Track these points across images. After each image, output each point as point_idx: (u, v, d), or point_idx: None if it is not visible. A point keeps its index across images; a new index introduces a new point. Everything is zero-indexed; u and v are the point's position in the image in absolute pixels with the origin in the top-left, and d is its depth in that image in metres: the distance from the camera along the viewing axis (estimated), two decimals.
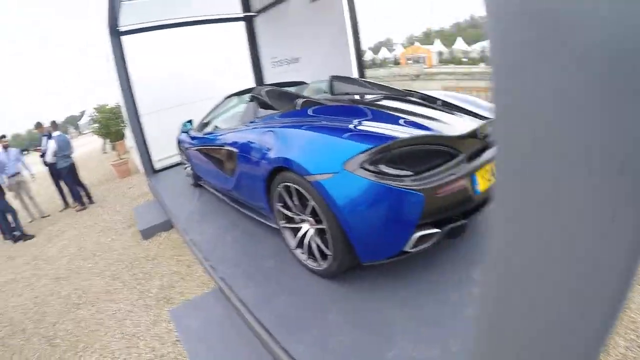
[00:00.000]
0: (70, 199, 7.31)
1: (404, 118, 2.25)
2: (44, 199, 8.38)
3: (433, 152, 1.90)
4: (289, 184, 2.26)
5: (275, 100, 3.12)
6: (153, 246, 4.46)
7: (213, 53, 8.19)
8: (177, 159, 7.21)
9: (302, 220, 2.37)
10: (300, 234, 2.41)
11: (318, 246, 2.23)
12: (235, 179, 3.28)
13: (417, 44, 41.40)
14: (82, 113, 52.06)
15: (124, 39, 5.84)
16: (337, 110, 2.65)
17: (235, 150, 3.16)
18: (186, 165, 5.18)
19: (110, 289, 3.78)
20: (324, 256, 2.21)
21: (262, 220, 3.17)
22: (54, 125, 6.83)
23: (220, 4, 6.90)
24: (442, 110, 2.46)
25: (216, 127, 4.12)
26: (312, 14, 5.78)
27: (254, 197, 3.08)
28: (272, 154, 2.42)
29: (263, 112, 3.24)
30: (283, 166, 2.26)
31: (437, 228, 1.85)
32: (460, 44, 36.49)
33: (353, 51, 5.44)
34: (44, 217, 7.20)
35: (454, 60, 34.01)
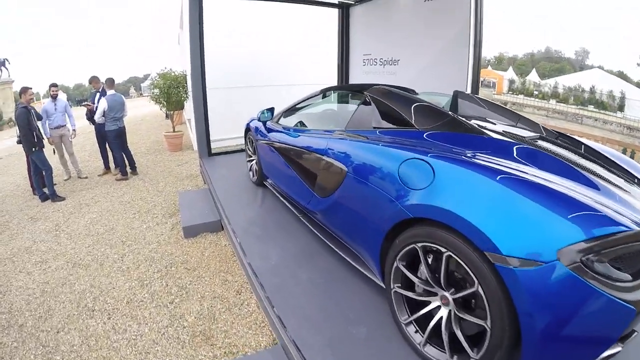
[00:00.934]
0: (112, 165, 6.70)
1: (600, 183, 1.59)
2: (84, 158, 7.87)
3: None
4: (439, 247, 1.59)
5: (412, 111, 2.22)
6: (195, 251, 3.61)
7: (296, 37, 7.53)
8: (236, 143, 6.54)
9: (433, 294, 1.72)
10: (424, 310, 1.76)
11: (451, 334, 1.63)
12: (331, 203, 2.43)
13: (489, 67, 39.32)
14: (146, 76, 53.58)
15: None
16: (512, 151, 1.80)
17: (341, 166, 2.30)
18: (251, 158, 4.34)
19: (134, 298, 2.95)
20: (456, 349, 1.61)
21: (353, 263, 2.33)
22: (111, 82, 6.15)
23: None
24: (618, 175, 1.85)
25: (303, 124, 3.24)
26: (425, 13, 4.84)
27: (356, 237, 2.27)
28: (417, 197, 1.70)
29: (384, 122, 2.36)
30: (437, 221, 1.57)
31: (620, 343, 1.34)
32: (533, 76, 34.34)
33: (471, 63, 4.41)
34: (81, 177, 6.64)
35: (526, 91, 31.89)
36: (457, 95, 2.94)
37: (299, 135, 2.99)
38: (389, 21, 5.47)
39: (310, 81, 7.65)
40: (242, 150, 5.30)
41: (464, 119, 2.08)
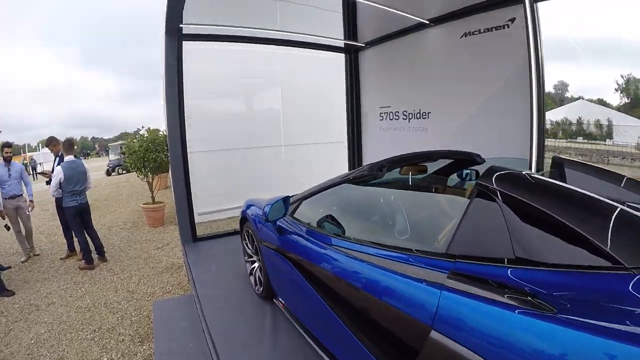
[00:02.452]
0: (78, 245, 5.49)
1: None
2: (52, 231, 6.67)
3: None
4: None
5: (604, 228, 1.13)
6: None
7: (300, 90, 6.59)
8: (228, 216, 5.47)
9: None
10: None
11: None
12: None
13: None
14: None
15: (186, 45, 4.20)
16: None
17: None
18: (252, 260, 3.19)
19: None
20: None
21: None
22: (69, 145, 5.06)
23: (315, 26, 5.20)
24: None
25: (341, 226, 2.07)
26: (463, 51, 3.91)
27: None
28: None
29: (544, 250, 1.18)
30: None
31: None
32: None
33: (535, 111, 3.41)
34: (32, 255, 5.74)
35: None
36: (560, 162, 2.07)
37: (344, 256, 1.82)
38: (412, 65, 4.52)
39: (317, 139, 6.73)
40: (236, 233, 4.19)
41: None
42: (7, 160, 5.20)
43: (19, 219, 5.34)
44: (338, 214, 2.14)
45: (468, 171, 2.62)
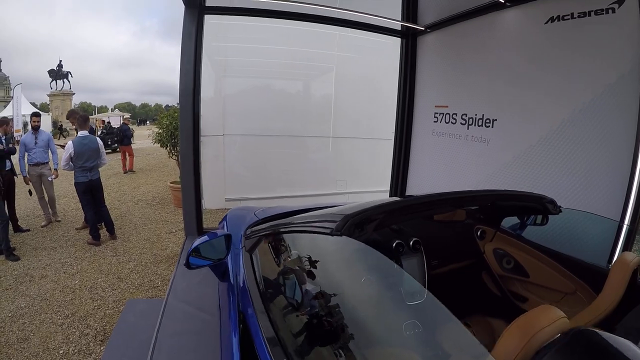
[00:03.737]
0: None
1: None
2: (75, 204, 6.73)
3: None
4: None
5: None
6: None
7: (349, 75, 5.99)
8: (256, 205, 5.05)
9: None
10: None
11: None
12: None
13: None
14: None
15: (208, 19, 3.71)
16: None
17: None
18: None
19: None
20: None
21: None
22: (83, 120, 4.93)
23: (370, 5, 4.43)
24: None
25: None
26: (544, 43, 2.95)
27: None
28: None
29: None
30: None
31: None
32: None
33: None
34: (53, 221, 5.81)
35: None
36: None
37: None
38: (480, 56, 3.59)
39: (357, 134, 6.09)
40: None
41: None
42: (35, 129, 5.35)
43: (42, 185, 5.45)
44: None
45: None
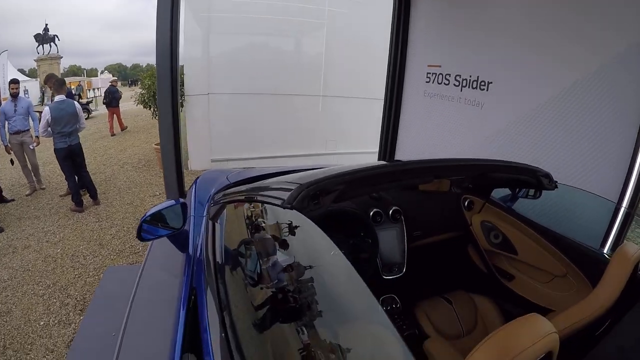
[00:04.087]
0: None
1: None
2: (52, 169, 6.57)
3: None
4: None
5: None
6: None
7: (327, 28, 5.72)
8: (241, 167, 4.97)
9: None
10: None
11: None
12: None
13: None
14: None
15: None
16: None
17: None
18: None
19: None
20: None
21: None
22: (60, 84, 4.73)
23: None
24: None
25: None
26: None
27: None
28: None
29: None
30: None
31: None
32: None
33: None
34: (38, 189, 5.71)
35: None
36: None
37: None
38: (477, 13, 3.32)
39: (348, 93, 5.89)
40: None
41: None
42: (14, 96, 5.14)
43: (24, 154, 5.30)
44: None
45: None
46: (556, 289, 1.68)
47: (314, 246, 1.15)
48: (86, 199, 5.05)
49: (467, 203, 2.00)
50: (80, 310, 2.98)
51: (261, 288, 1.13)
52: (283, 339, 1.00)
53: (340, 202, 1.24)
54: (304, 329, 0.92)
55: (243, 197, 1.43)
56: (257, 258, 1.18)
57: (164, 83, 3.56)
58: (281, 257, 1.13)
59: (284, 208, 0.99)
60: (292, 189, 1.02)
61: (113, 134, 10.32)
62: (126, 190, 5.65)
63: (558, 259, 1.65)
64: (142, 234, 1.48)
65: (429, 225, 1.94)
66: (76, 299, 3.13)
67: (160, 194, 5.40)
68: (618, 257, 1.21)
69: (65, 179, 4.92)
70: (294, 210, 0.98)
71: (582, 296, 1.56)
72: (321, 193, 1.07)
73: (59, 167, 4.88)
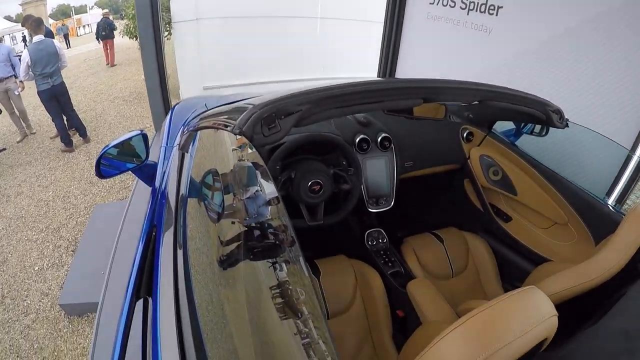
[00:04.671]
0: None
1: None
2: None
3: None
4: None
5: None
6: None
7: None
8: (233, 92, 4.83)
9: None
10: None
11: None
12: None
13: None
14: None
15: None
16: None
17: None
18: None
19: None
20: None
21: None
22: (37, 24, 4.41)
23: None
24: None
25: None
26: None
27: None
28: None
29: None
30: None
31: None
32: None
33: None
34: (29, 134, 5.57)
35: None
36: None
37: None
38: None
39: (348, 14, 5.53)
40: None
41: None
42: None
43: (10, 101, 5.10)
44: None
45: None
46: (555, 236, 1.56)
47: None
48: (76, 138, 4.96)
49: (467, 134, 1.83)
50: (72, 251, 3.01)
51: (224, 226, 1.01)
52: (239, 284, 0.89)
53: (308, 125, 1.07)
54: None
55: (206, 124, 1.28)
56: (221, 192, 1.03)
57: (144, 17, 3.32)
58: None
59: (234, 134, 0.85)
60: (244, 112, 0.87)
61: (113, 65, 9.95)
62: (116, 125, 5.57)
63: (560, 205, 1.52)
64: (102, 168, 1.35)
65: (422, 155, 1.78)
66: (68, 240, 3.15)
67: (150, 125, 5.28)
68: (632, 217, 1.01)
69: (52, 120, 4.77)
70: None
71: (582, 248, 1.44)
72: (278, 115, 0.92)
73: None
